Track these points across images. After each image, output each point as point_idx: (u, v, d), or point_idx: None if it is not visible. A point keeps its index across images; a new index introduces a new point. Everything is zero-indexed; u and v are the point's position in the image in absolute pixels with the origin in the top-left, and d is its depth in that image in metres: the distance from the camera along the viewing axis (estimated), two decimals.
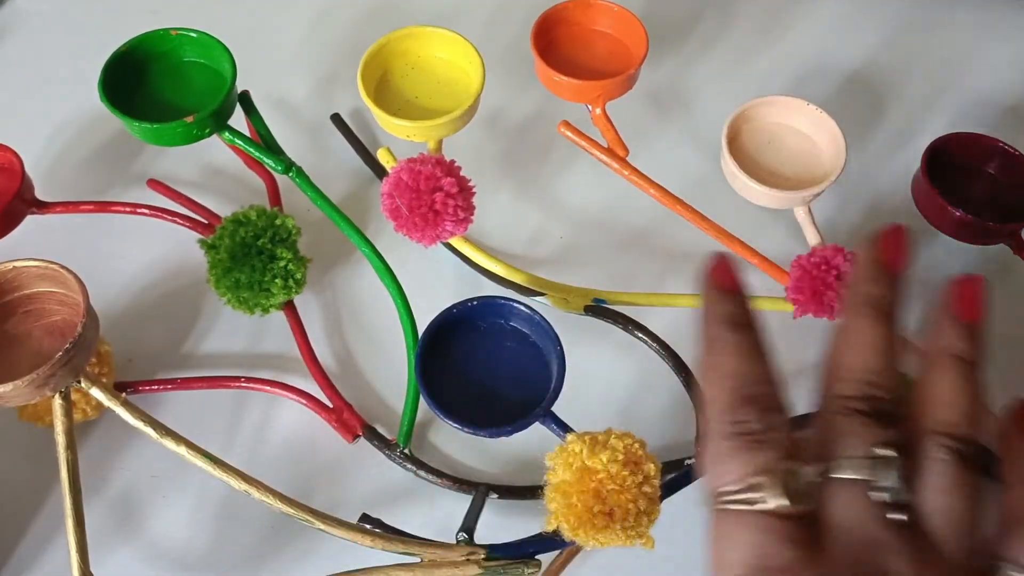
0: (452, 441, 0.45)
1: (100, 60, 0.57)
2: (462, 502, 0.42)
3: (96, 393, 0.35)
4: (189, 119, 0.40)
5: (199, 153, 0.54)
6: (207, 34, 0.43)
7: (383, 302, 0.47)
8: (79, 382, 0.35)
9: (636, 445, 0.36)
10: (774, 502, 0.25)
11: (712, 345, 0.28)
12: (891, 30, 0.61)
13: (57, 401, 0.35)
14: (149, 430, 0.36)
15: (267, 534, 0.42)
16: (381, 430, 0.44)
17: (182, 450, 0.36)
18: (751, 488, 0.25)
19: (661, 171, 0.45)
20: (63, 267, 0.36)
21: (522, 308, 0.39)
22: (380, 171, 0.53)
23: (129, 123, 0.41)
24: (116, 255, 0.50)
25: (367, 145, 0.55)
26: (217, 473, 0.36)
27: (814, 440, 0.27)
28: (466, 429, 0.37)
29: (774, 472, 0.25)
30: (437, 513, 0.42)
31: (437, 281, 0.49)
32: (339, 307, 0.49)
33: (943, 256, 0.49)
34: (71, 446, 0.35)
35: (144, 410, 0.36)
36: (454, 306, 0.40)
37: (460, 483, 0.43)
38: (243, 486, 0.36)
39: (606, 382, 0.46)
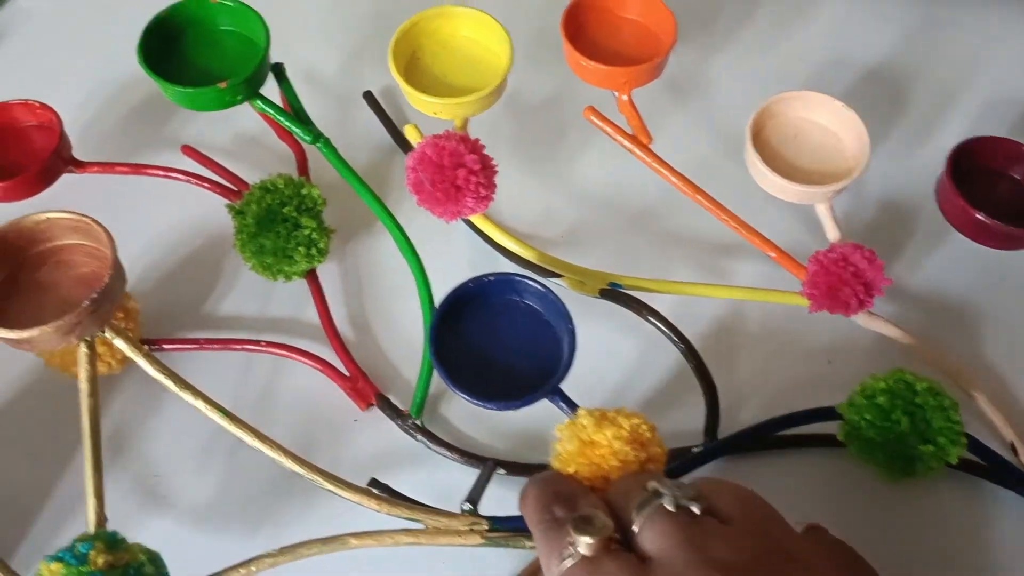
0: (462, 414, 0.46)
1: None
2: (467, 474, 0.43)
3: (119, 344, 0.37)
4: (222, 85, 0.41)
5: (230, 120, 0.55)
6: (243, 3, 0.44)
7: (401, 274, 0.48)
8: (104, 332, 0.36)
9: (644, 427, 0.36)
10: (584, 546, 0.30)
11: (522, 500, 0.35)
12: (912, 25, 0.60)
13: (82, 349, 0.36)
14: (169, 383, 0.37)
15: (269, 491, 0.43)
16: (393, 400, 0.45)
17: (199, 404, 0.37)
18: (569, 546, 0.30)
19: (676, 157, 0.46)
20: (94, 220, 0.37)
21: (536, 286, 0.40)
22: (408, 148, 0.54)
23: (165, 86, 0.42)
24: (144, 215, 0.52)
25: (396, 123, 0.55)
26: (232, 428, 0.37)
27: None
28: (475, 401, 0.38)
29: (576, 527, 0.30)
30: (441, 483, 0.43)
31: (454, 256, 0.50)
32: (358, 277, 0.50)
33: (964, 260, 0.49)
34: (94, 393, 0.36)
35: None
36: (470, 281, 0.40)
37: (469, 457, 0.44)
38: (256, 443, 0.37)
39: (616, 365, 0.46)
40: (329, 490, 0.37)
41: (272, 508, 0.43)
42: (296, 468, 0.37)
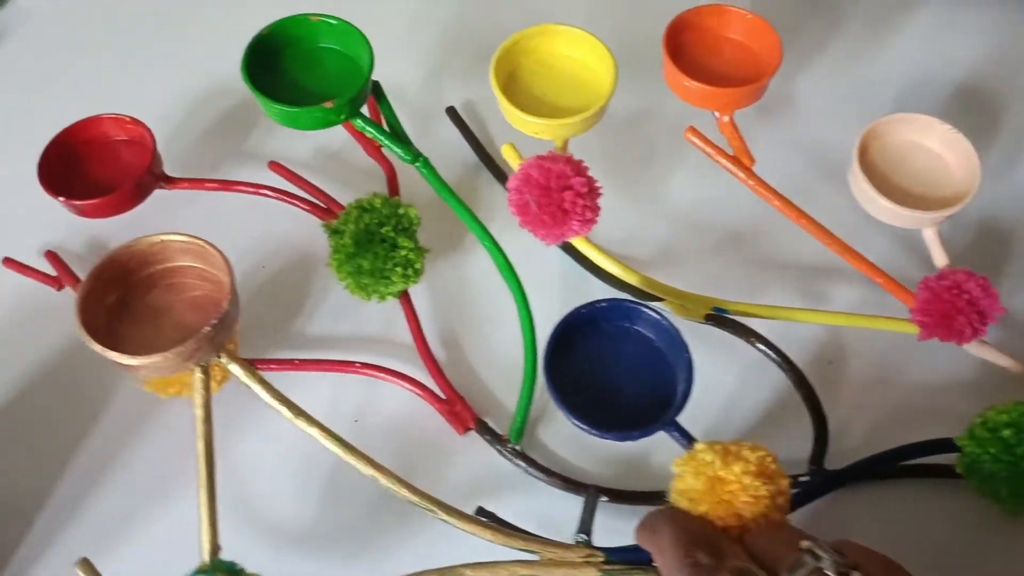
0: (560, 439, 0.45)
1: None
2: (566, 500, 0.43)
3: (235, 369, 0.36)
4: (328, 104, 0.41)
5: (309, 135, 0.54)
6: (346, 21, 0.43)
7: (492, 295, 0.48)
8: (219, 357, 0.36)
9: (769, 458, 0.35)
10: None
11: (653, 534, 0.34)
12: (1002, 39, 0.59)
13: (197, 374, 0.36)
14: (283, 409, 0.36)
15: (367, 514, 0.42)
16: (490, 423, 0.44)
17: (314, 431, 0.36)
18: None
19: (765, 177, 0.45)
20: (208, 243, 0.36)
21: (651, 313, 0.39)
22: (492, 165, 0.53)
23: (268, 105, 0.41)
24: (227, 231, 0.51)
25: (476, 138, 0.55)
26: (347, 457, 0.36)
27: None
28: (593, 431, 0.37)
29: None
30: (540, 509, 0.42)
31: (544, 276, 0.49)
32: (447, 297, 0.49)
33: None
34: (208, 419, 0.36)
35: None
36: (583, 306, 0.39)
37: (569, 483, 0.43)
38: (370, 471, 0.36)
39: (712, 390, 0.46)
40: (444, 520, 0.37)
41: (372, 532, 0.42)
42: (412, 498, 0.36)
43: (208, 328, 0.34)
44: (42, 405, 0.46)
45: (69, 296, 0.49)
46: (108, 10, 0.63)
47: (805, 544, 0.30)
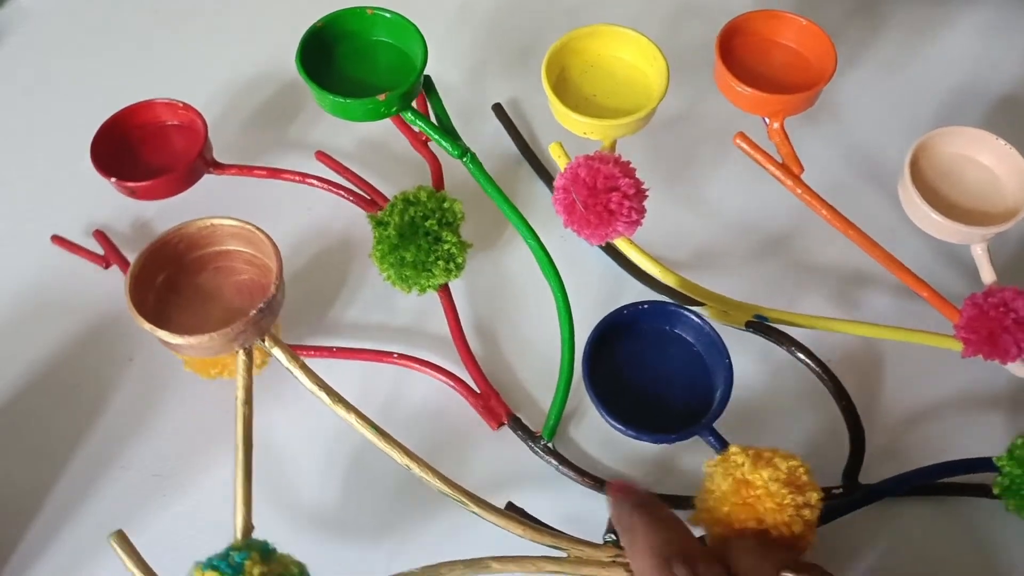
0: (591, 437, 0.45)
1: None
2: (592, 498, 0.43)
3: (277, 353, 0.36)
4: (381, 97, 0.41)
5: (353, 125, 0.55)
6: (401, 16, 0.44)
7: (528, 291, 0.48)
8: (263, 341, 0.36)
9: (801, 470, 0.35)
10: None
11: (629, 532, 0.33)
12: None
13: (241, 357, 0.36)
14: (323, 395, 0.36)
15: (391, 499, 0.43)
16: (522, 419, 0.45)
17: (351, 418, 0.37)
18: None
19: (807, 181, 0.45)
20: (258, 228, 0.37)
21: (692, 317, 0.39)
22: (536, 163, 0.54)
23: (321, 96, 0.42)
24: (267, 217, 0.51)
25: (521, 136, 0.55)
26: (382, 445, 0.37)
27: None
28: (628, 432, 0.37)
29: None
30: (566, 506, 0.42)
31: (582, 275, 0.49)
32: (484, 292, 0.50)
33: None
34: (248, 401, 0.36)
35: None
36: (624, 307, 0.40)
37: (599, 482, 0.43)
38: (405, 460, 0.37)
39: (755, 399, 0.45)
40: (475, 513, 0.37)
41: (396, 517, 0.43)
42: (444, 489, 0.36)
43: (255, 312, 0.35)
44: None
45: (115, 275, 0.50)
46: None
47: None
